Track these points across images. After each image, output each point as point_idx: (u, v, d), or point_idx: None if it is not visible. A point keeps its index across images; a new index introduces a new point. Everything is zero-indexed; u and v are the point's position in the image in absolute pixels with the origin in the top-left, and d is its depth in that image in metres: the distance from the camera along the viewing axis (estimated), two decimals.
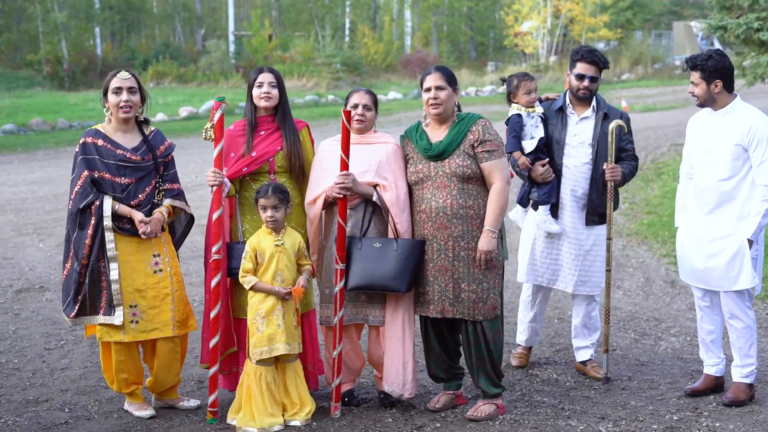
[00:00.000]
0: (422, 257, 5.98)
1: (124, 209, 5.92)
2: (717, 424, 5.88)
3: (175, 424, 5.99)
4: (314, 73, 38.50)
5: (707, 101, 6.32)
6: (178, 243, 6.36)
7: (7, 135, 23.94)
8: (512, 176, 6.41)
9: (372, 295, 6.08)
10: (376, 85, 39.36)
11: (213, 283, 5.95)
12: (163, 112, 27.82)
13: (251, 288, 5.85)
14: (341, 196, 5.89)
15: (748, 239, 6.18)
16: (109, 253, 5.90)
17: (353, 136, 6.09)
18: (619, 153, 6.65)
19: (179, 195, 6.19)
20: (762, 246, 6.38)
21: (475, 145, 5.94)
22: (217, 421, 5.98)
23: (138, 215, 5.91)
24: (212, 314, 5.96)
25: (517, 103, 6.75)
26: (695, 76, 6.29)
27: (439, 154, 5.95)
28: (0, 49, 42.71)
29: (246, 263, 5.86)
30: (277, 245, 5.88)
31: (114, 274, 5.91)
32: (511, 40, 44.96)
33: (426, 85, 6.02)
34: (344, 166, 5.90)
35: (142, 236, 5.91)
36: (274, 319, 5.83)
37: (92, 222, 5.88)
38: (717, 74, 6.25)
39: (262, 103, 6.16)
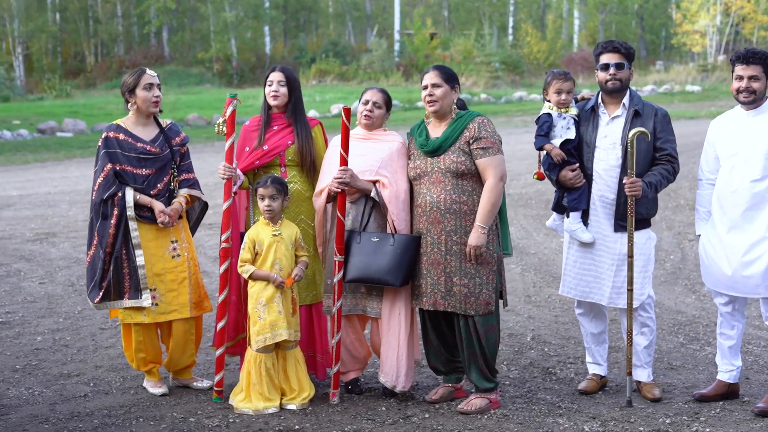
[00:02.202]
0: (418, 252, 6.13)
1: (144, 199, 6.32)
2: (707, 430, 5.78)
3: (182, 402, 6.35)
4: (473, 71, 38.65)
5: (758, 99, 6.13)
6: (192, 229, 6.74)
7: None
8: (536, 174, 6.33)
9: (371, 287, 6.27)
10: (535, 84, 39.20)
11: (221, 269, 6.27)
12: (316, 109, 28.64)
13: (249, 277, 6.13)
14: (339, 190, 6.10)
15: None
16: (134, 241, 6.30)
17: (362, 132, 6.34)
18: (654, 153, 6.32)
19: (194, 184, 6.55)
20: None
21: (471, 141, 6.04)
22: (221, 400, 6.30)
23: (158, 205, 6.30)
24: (220, 299, 6.29)
25: (549, 101, 6.56)
26: (756, 69, 6.08)
27: (435, 150, 6.09)
28: (174, 48, 44.66)
29: (244, 253, 6.15)
30: (275, 235, 6.15)
31: (141, 260, 6.31)
32: (679, 39, 43.82)
33: (424, 83, 6.18)
34: (343, 161, 6.11)
35: (161, 225, 6.29)
36: (275, 306, 6.10)
37: (115, 212, 6.29)
38: None
39: (271, 101, 6.45)
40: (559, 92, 6.44)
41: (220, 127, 6.29)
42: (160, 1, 42.91)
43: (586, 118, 6.47)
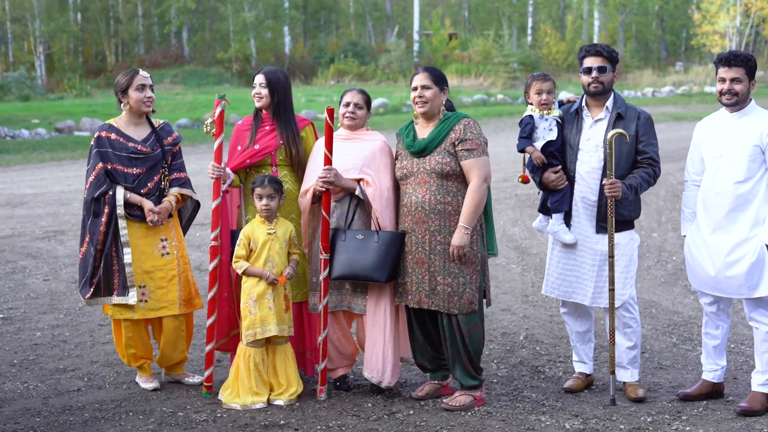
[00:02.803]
0: (402, 249, 6.23)
1: (135, 198, 6.43)
2: (687, 428, 5.84)
3: (172, 397, 6.47)
4: (491, 72, 38.69)
5: (740, 101, 6.18)
6: (185, 228, 6.86)
7: (181, 129, 25.33)
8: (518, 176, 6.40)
9: (355, 284, 6.38)
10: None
11: (210, 267, 6.39)
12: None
13: (243, 273, 6.25)
14: (324, 189, 6.21)
15: (766, 245, 6.08)
16: (122, 239, 6.43)
17: (345, 133, 6.46)
18: (636, 156, 6.39)
19: (186, 183, 6.66)
20: None
21: (456, 143, 6.13)
22: (210, 395, 6.42)
23: (148, 204, 6.42)
24: (209, 296, 6.41)
25: (531, 104, 6.63)
26: (739, 71, 6.14)
27: (421, 151, 6.18)
28: (194, 48, 44.92)
29: (239, 250, 6.27)
30: (270, 233, 6.27)
31: (128, 258, 6.43)
32: (698, 40, 43.70)
33: (413, 84, 6.28)
34: (327, 161, 6.22)
35: (150, 224, 6.40)
36: (266, 302, 6.22)
37: (106, 210, 6.41)
38: (754, 74, 6.20)
39: (255, 103, 6.58)
40: (539, 93, 6.50)
41: (209, 127, 6.40)
42: (180, 1, 43.17)
43: (570, 120, 6.53)
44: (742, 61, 6.15)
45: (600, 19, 48.03)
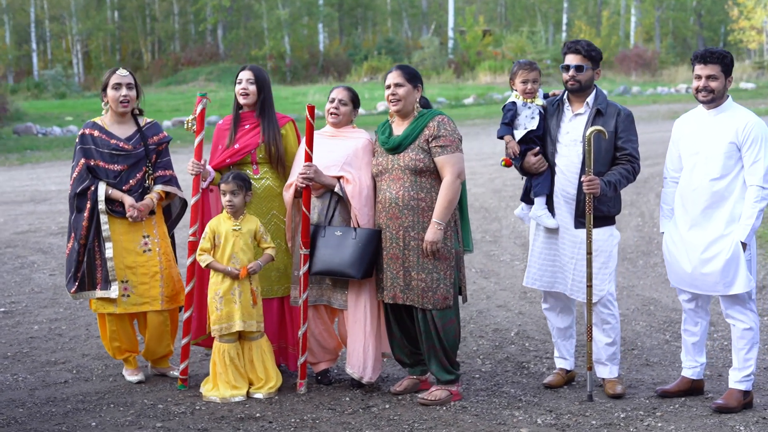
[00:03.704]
0: (380, 245, 6.30)
1: (116, 194, 6.56)
2: (659, 425, 5.86)
3: (155, 390, 6.59)
4: None
5: (717, 97, 6.18)
6: (172, 225, 6.96)
7: (211, 126, 25.47)
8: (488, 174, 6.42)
9: (336, 279, 6.46)
10: None
11: (188, 261, 6.51)
12: (364, 106, 28.87)
13: (206, 266, 6.37)
14: (304, 185, 6.30)
15: (741, 242, 6.09)
16: (104, 234, 6.56)
17: (330, 130, 6.59)
18: (615, 152, 6.40)
19: (171, 181, 6.76)
20: (754, 248, 6.24)
21: (430, 140, 6.19)
22: (186, 388, 6.58)
23: (129, 200, 6.54)
24: (187, 289, 6.54)
25: (515, 90, 6.65)
26: (715, 69, 6.15)
27: (395, 147, 6.25)
28: (228, 45, 45.24)
29: (204, 243, 6.38)
30: (235, 230, 6.36)
31: (109, 253, 6.56)
32: (735, 36, 43.29)
33: (387, 82, 6.35)
34: (307, 158, 6.32)
35: (129, 219, 6.53)
36: (231, 298, 6.33)
37: (88, 205, 6.55)
38: (730, 71, 6.21)
39: (241, 100, 6.66)
40: (524, 82, 6.55)
41: (190, 124, 6.51)
42: None
43: (552, 112, 6.57)
44: (717, 58, 6.16)
45: (636, 15, 47.72)
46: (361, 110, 6.64)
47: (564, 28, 47.13)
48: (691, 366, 6.47)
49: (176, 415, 6.07)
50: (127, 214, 6.53)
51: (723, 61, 6.15)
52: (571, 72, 6.41)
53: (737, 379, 6.22)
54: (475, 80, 38.94)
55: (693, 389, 6.46)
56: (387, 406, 6.24)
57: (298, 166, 6.48)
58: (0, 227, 12.69)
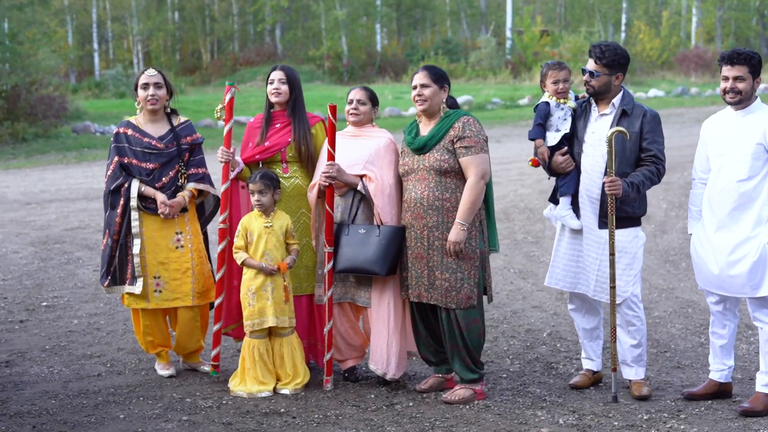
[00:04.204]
0: (403, 242, 6.38)
1: (149, 190, 6.70)
2: (682, 427, 5.83)
3: (185, 384, 6.72)
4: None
5: (744, 99, 6.16)
6: (206, 222, 7.10)
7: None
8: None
9: (360, 277, 6.53)
10: (645, 81, 38.66)
11: (219, 248, 6.66)
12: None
13: (242, 264, 6.46)
14: (327, 184, 6.39)
15: None
16: (133, 230, 6.70)
17: (352, 130, 6.67)
18: (640, 153, 6.37)
19: (204, 178, 6.89)
20: None
21: (455, 140, 6.24)
22: (217, 374, 6.73)
23: (161, 197, 6.67)
24: (218, 276, 6.68)
25: (546, 91, 6.68)
26: (742, 70, 6.12)
27: (421, 148, 6.30)
28: (286, 45, 45.55)
29: (238, 240, 6.50)
30: (266, 227, 6.46)
31: (136, 249, 6.71)
32: None
33: (413, 83, 6.40)
34: (330, 157, 6.41)
35: (161, 216, 6.66)
36: (264, 294, 6.42)
37: (121, 202, 6.70)
38: (758, 72, 6.17)
39: (273, 99, 6.76)
40: (556, 82, 6.57)
41: (219, 113, 6.64)
42: None
43: (580, 113, 6.59)
44: (744, 59, 6.11)
45: (697, 15, 47.11)
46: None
47: (623, 28, 46.67)
48: (719, 369, 6.43)
49: (203, 409, 6.17)
50: (159, 211, 6.66)
51: (750, 62, 6.10)
52: (586, 77, 6.45)
53: (764, 382, 6.17)
54: (531, 81, 38.73)
55: (721, 392, 6.41)
56: (411, 404, 6.29)
57: (321, 167, 6.57)
58: (51, 223, 12.98)
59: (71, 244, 11.62)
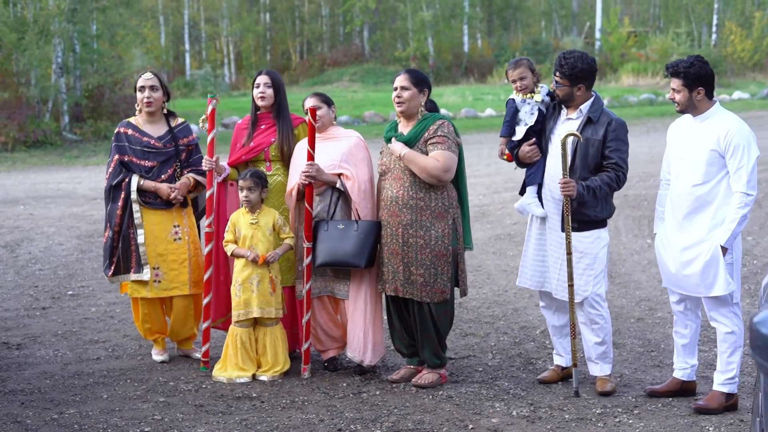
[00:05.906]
0: (380, 236, 6.73)
1: (148, 184, 7.16)
2: (630, 421, 6.00)
3: (175, 369, 7.15)
4: None
5: (688, 108, 6.36)
6: (199, 216, 7.53)
7: (341, 125, 26.13)
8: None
9: (338, 270, 6.89)
10: (734, 84, 38.04)
11: (206, 251, 7.06)
12: (495, 108, 29.15)
13: (231, 254, 6.90)
14: (307, 182, 6.74)
15: (722, 246, 6.20)
16: (136, 221, 7.16)
17: (320, 134, 6.99)
18: (602, 160, 6.54)
19: (202, 173, 7.30)
20: (739, 252, 6.35)
21: (428, 141, 6.55)
22: (207, 369, 7.08)
23: (164, 186, 7.13)
24: (205, 277, 7.07)
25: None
26: (677, 83, 6.31)
27: (405, 143, 6.65)
28: (373, 46, 46.05)
29: (227, 235, 6.93)
30: (252, 223, 6.85)
31: (141, 238, 7.16)
32: None
33: (394, 84, 6.74)
34: (310, 157, 6.75)
35: (171, 199, 7.12)
36: (249, 286, 6.83)
37: (122, 196, 7.16)
38: (699, 81, 6.28)
39: (259, 102, 7.15)
40: (514, 81, 6.81)
41: (202, 124, 7.06)
42: (362, 0, 44.37)
43: (551, 112, 6.79)
44: (678, 72, 6.28)
45: None
46: (491, 111, 6.96)
47: (714, 29, 45.94)
48: (682, 367, 6.58)
49: (181, 392, 6.59)
50: (171, 197, 7.11)
51: (683, 74, 6.25)
52: (552, 85, 6.71)
53: (720, 381, 6.32)
54: (617, 82, 38.49)
55: (683, 390, 6.56)
56: (377, 393, 6.60)
57: (296, 171, 6.92)
58: (99, 220, 13.43)
59: None
